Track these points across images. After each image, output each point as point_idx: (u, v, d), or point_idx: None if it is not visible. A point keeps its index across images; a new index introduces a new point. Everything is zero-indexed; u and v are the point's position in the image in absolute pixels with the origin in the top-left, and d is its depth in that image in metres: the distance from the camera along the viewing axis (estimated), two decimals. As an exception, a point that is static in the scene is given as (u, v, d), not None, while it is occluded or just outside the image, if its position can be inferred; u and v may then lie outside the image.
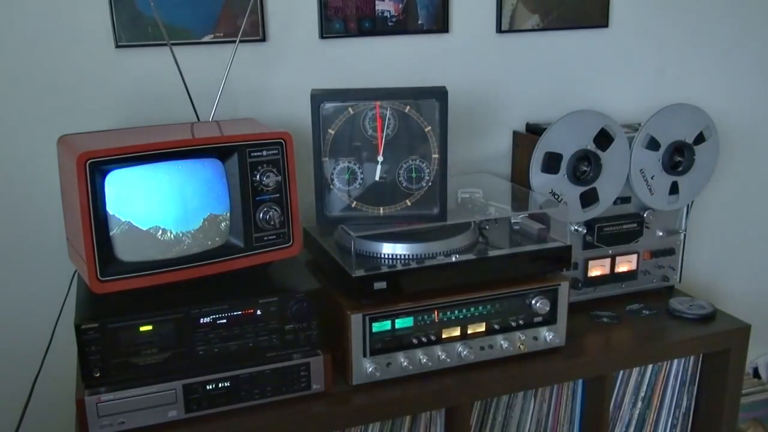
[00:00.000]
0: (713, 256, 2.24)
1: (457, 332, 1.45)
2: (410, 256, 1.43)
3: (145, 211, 1.24)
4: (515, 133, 1.86)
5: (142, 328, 1.24)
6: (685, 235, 1.82)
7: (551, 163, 1.64)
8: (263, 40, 1.66)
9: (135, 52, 1.58)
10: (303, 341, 1.35)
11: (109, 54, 1.56)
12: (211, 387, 1.30)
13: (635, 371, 1.67)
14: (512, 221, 1.62)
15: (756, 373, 2.34)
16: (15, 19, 1.49)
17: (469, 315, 1.45)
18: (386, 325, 1.40)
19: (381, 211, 1.46)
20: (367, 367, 1.40)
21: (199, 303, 1.27)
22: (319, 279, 1.40)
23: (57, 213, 1.41)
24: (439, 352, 1.44)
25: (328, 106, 1.40)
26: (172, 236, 1.26)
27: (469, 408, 1.49)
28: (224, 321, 1.29)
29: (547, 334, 1.51)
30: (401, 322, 1.41)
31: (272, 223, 1.31)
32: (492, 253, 1.47)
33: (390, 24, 1.74)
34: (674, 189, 1.74)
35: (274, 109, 1.69)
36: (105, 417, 1.24)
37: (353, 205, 1.45)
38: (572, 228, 1.68)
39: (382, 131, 1.41)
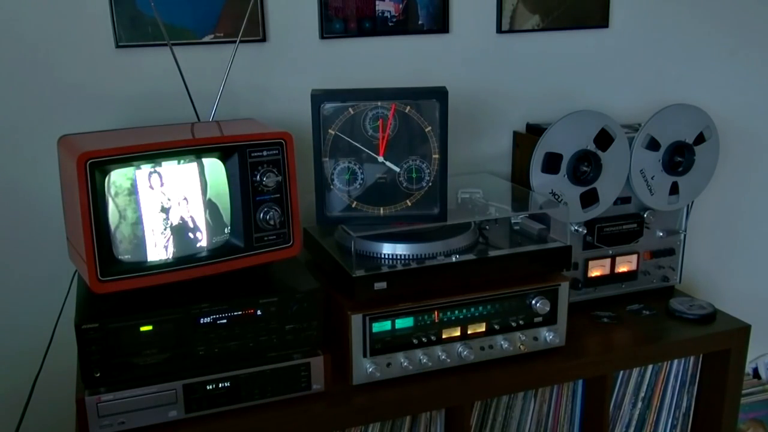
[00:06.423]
0: (713, 256, 2.24)
1: (457, 332, 1.45)
2: (410, 257, 1.43)
3: (145, 210, 1.24)
4: (515, 133, 1.86)
5: (143, 328, 1.24)
6: (685, 236, 1.82)
7: (551, 163, 1.64)
8: (263, 40, 1.66)
9: (135, 52, 1.58)
10: (303, 341, 1.35)
11: (109, 54, 1.56)
12: (211, 387, 1.30)
13: (635, 371, 1.67)
14: (512, 221, 1.62)
15: (756, 374, 2.34)
16: (15, 20, 1.49)
17: (469, 315, 1.45)
18: (386, 325, 1.40)
19: (381, 212, 1.45)
20: (367, 367, 1.40)
21: (199, 303, 1.27)
22: (319, 279, 1.40)
23: (57, 213, 1.41)
24: (439, 352, 1.44)
25: (329, 106, 1.40)
26: (172, 236, 1.26)
27: (469, 408, 1.49)
28: (224, 321, 1.29)
29: (547, 334, 1.51)
30: (401, 322, 1.41)
31: (272, 223, 1.31)
32: (492, 253, 1.47)
33: (390, 24, 1.74)
34: (674, 189, 1.74)
35: (275, 109, 1.69)
36: (105, 417, 1.24)
37: (353, 205, 1.45)
38: (572, 228, 1.68)
39: (384, 131, 1.41)
